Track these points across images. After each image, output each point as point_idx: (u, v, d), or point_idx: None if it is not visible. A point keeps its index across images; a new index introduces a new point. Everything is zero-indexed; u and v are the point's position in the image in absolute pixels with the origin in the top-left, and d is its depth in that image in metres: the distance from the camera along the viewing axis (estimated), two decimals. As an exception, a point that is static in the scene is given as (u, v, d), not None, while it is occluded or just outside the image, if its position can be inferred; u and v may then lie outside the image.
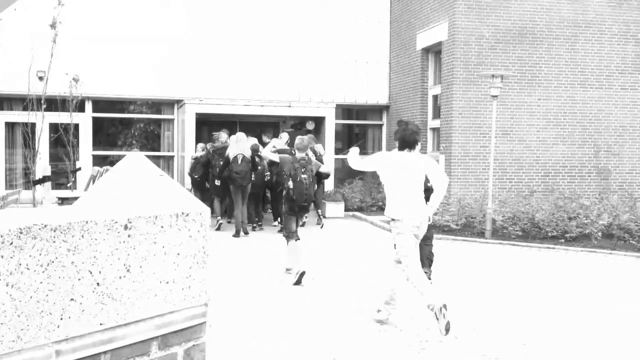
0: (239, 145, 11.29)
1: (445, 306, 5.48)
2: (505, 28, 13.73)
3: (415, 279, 5.81)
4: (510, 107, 13.84)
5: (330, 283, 7.93)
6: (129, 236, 1.62)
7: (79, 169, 11.87)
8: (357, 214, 14.51)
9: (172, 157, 15.92)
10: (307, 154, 8.68)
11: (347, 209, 14.74)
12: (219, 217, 12.28)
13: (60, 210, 1.64)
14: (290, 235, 7.99)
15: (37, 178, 8.38)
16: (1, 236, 1.37)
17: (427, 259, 7.60)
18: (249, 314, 6.43)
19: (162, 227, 1.71)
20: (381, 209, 15.02)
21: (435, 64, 15.17)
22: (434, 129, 15.12)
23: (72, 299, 1.51)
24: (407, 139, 6.22)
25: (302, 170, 8.06)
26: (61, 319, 1.49)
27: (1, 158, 14.66)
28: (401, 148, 6.22)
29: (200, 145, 13.22)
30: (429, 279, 7.22)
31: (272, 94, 15.83)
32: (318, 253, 10.13)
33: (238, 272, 8.52)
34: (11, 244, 1.39)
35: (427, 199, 6.18)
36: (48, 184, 7.55)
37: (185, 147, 14.26)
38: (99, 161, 14.92)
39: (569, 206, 11.85)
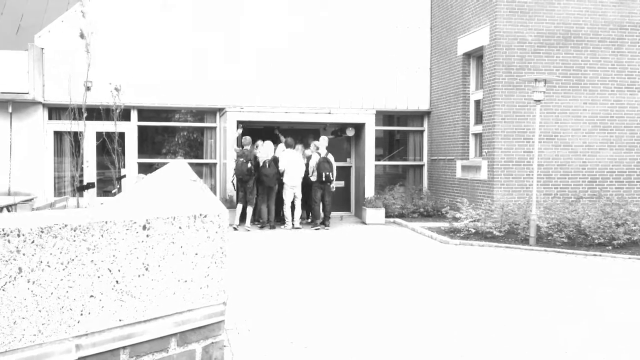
0: (266, 151, 13.42)
1: (293, 225, 13.52)
2: (549, 31, 13.52)
3: (286, 209, 13.51)
4: (554, 112, 13.61)
5: (362, 286, 7.93)
6: (147, 236, 1.69)
7: (124, 176, 12.17)
8: (398, 220, 14.46)
9: (215, 164, 16.16)
10: (246, 150, 13.40)
11: (388, 215, 14.69)
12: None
13: (81, 211, 1.71)
14: (239, 199, 13.50)
15: (79, 185, 8.63)
16: (23, 235, 1.45)
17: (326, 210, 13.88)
18: (284, 317, 6.47)
19: (180, 227, 1.77)
20: (423, 216, 14.96)
21: (477, 69, 15.03)
22: (476, 135, 14.97)
23: (91, 296, 1.57)
24: (289, 144, 13.71)
25: (241, 156, 13.13)
26: (81, 314, 1.56)
27: (50, 166, 15.11)
28: (287, 146, 13.68)
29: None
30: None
31: (313, 101, 15.93)
32: (353, 258, 10.14)
33: (268, 270, 8.60)
34: (32, 242, 1.46)
35: (323, 182, 13.60)
36: (92, 191, 7.77)
37: (227, 154, 14.45)
38: (144, 169, 15.24)
39: (616, 212, 11.57)
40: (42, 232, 1.47)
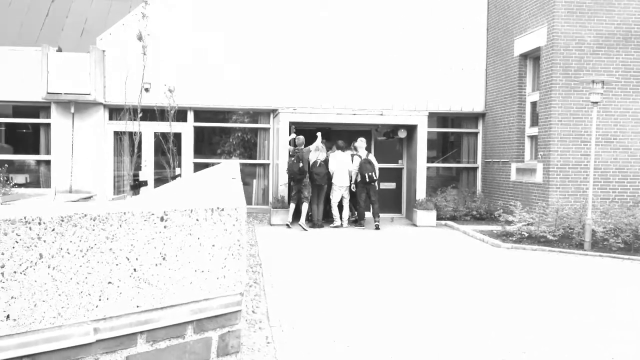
0: (317, 150, 13.70)
1: (341, 224, 13.89)
2: (608, 32, 13.16)
3: (334, 208, 13.92)
4: (614, 114, 13.23)
5: (408, 288, 7.91)
6: (165, 227, 1.76)
7: (179, 175, 12.48)
8: (450, 222, 14.32)
9: (268, 164, 16.37)
10: (298, 149, 13.81)
11: (439, 218, 14.58)
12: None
13: (100, 203, 1.81)
14: (292, 198, 13.76)
15: (133, 183, 8.93)
16: (44, 223, 1.55)
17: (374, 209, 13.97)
18: (328, 315, 6.53)
19: (197, 220, 1.84)
20: (475, 218, 14.78)
21: (533, 70, 14.75)
22: (531, 137, 14.69)
23: (109, 282, 1.66)
24: (339, 146, 14.10)
25: (292, 155, 13.62)
26: (99, 299, 1.65)
27: (110, 165, 15.62)
28: (337, 149, 14.04)
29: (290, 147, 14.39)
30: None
31: (365, 102, 15.96)
32: (401, 259, 10.11)
33: (315, 268, 8.66)
34: (53, 230, 1.55)
35: (367, 183, 13.71)
36: (144, 188, 8.03)
37: (280, 155, 14.63)
38: (200, 169, 15.56)
39: (676, 218, 11.18)
40: (62, 220, 1.57)
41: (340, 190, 13.91)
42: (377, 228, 13.63)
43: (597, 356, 5.43)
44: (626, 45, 13.17)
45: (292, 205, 13.67)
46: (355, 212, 14.33)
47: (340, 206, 14.04)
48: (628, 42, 13.17)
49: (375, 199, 13.99)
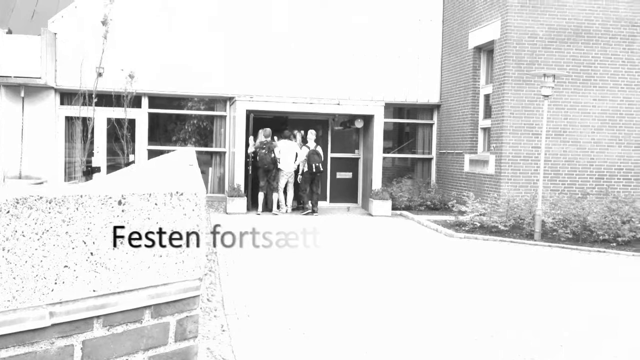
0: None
1: (286, 211, 14.29)
2: (560, 27, 13.46)
3: (280, 193, 14.18)
4: (563, 108, 13.56)
5: (360, 276, 7.99)
6: (122, 211, 1.74)
7: (133, 162, 12.28)
8: (405, 212, 14.50)
9: (224, 152, 16.26)
10: (270, 140, 14.30)
11: (394, 208, 14.73)
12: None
13: (56, 186, 1.78)
14: (261, 188, 14.19)
15: (86, 169, 8.77)
16: (-1, 205, 1.52)
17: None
18: (284, 303, 6.55)
19: (156, 204, 1.82)
20: (429, 208, 14.99)
21: (487, 63, 15.00)
22: (484, 129, 14.95)
23: (65, 266, 1.64)
24: (285, 135, 14.51)
25: (263, 147, 14.02)
26: (55, 283, 1.62)
27: (61, 151, 15.24)
28: (283, 137, 14.44)
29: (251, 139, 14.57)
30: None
31: (322, 91, 15.96)
32: (356, 248, 10.20)
33: (271, 255, 8.68)
34: (8, 212, 1.52)
35: (313, 173, 14.25)
36: (97, 175, 7.89)
37: (236, 143, 14.55)
38: (154, 156, 15.32)
39: (622, 209, 11.55)
40: (17, 203, 1.54)
41: (286, 176, 14.43)
42: (315, 213, 14.31)
43: (546, 341, 5.60)
44: (576, 40, 13.50)
45: (262, 195, 14.19)
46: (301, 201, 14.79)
47: (284, 192, 14.62)
48: (578, 37, 13.50)
49: (317, 188, 14.66)
